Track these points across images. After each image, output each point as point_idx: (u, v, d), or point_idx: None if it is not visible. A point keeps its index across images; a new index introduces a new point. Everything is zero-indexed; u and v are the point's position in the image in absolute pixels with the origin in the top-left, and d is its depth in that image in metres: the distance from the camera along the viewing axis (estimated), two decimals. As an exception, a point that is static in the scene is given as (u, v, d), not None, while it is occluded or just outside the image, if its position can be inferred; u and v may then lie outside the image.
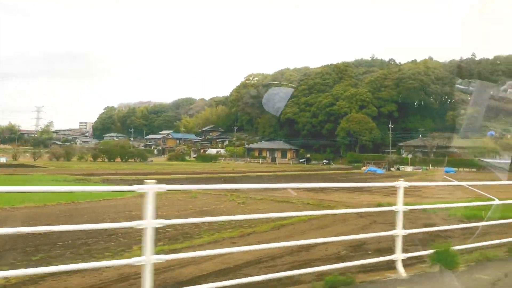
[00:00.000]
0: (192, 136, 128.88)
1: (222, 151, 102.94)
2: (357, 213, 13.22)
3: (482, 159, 65.05)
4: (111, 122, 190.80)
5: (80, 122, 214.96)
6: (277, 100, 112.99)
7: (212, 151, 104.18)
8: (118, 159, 79.19)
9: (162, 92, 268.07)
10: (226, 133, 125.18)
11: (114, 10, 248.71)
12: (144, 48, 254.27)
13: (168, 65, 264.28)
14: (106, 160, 78.54)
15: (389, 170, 71.57)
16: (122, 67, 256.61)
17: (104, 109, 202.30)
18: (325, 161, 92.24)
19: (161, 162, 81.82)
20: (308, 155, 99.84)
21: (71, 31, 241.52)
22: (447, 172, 64.73)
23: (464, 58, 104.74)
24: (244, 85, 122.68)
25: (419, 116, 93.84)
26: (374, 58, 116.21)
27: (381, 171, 66.70)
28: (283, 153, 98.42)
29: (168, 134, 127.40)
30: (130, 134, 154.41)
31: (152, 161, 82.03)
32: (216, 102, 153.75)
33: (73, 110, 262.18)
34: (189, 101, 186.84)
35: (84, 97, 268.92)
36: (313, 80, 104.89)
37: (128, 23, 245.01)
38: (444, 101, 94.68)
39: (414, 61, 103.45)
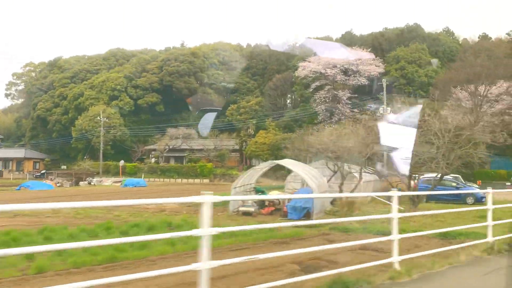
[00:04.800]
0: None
1: None
2: None
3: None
4: None
5: None
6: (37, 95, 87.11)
7: None
8: None
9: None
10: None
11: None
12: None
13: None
14: None
15: (77, 184, 47.59)
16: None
17: None
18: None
19: None
20: (64, 166, 73.96)
21: None
22: (127, 185, 41.75)
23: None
24: (20, 77, 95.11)
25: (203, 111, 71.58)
26: (184, 45, 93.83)
27: (48, 186, 42.83)
28: (18, 163, 71.61)
29: None
30: None
31: None
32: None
33: None
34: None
35: None
36: (81, 66, 79.82)
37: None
38: (232, 92, 73.30)
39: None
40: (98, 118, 58.30)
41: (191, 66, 67.60)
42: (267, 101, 66.87)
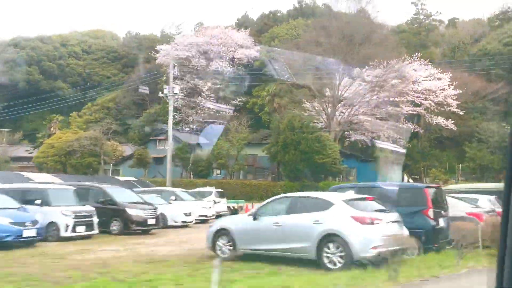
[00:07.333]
0: None
1: None
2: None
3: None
4: None
5: None
6: None
7: None
8: None
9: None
10: None
11: None
12: None
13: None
14: None
15: None
16: None
17: None
18: None
19: None
20: None
21: None
22: None
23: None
24: None
25: (49, 111, 57.43)
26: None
27: None
28: None
29: None
30: None
31: None
32: None
33: None
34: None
35: None
36: None
37: None
38: (95, 86, 59.26)
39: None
40: None
41: (33, 53, 53.65)
42: (131, 96, 53.10)
